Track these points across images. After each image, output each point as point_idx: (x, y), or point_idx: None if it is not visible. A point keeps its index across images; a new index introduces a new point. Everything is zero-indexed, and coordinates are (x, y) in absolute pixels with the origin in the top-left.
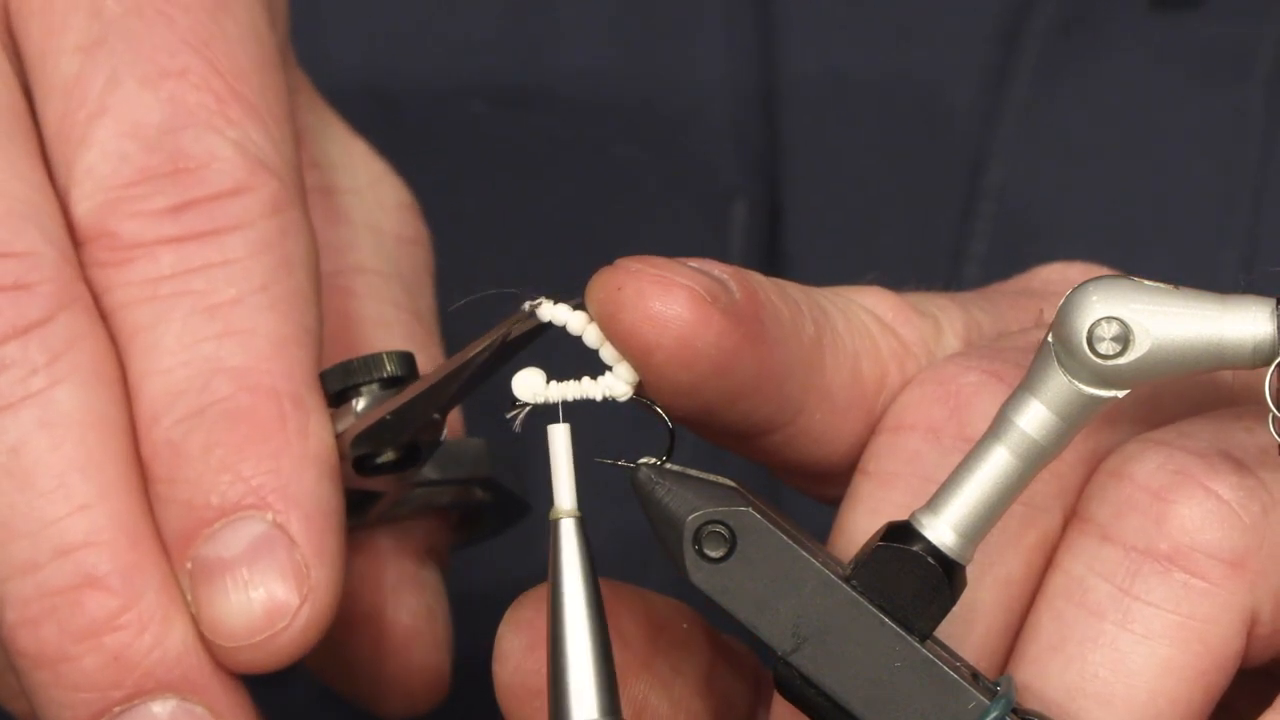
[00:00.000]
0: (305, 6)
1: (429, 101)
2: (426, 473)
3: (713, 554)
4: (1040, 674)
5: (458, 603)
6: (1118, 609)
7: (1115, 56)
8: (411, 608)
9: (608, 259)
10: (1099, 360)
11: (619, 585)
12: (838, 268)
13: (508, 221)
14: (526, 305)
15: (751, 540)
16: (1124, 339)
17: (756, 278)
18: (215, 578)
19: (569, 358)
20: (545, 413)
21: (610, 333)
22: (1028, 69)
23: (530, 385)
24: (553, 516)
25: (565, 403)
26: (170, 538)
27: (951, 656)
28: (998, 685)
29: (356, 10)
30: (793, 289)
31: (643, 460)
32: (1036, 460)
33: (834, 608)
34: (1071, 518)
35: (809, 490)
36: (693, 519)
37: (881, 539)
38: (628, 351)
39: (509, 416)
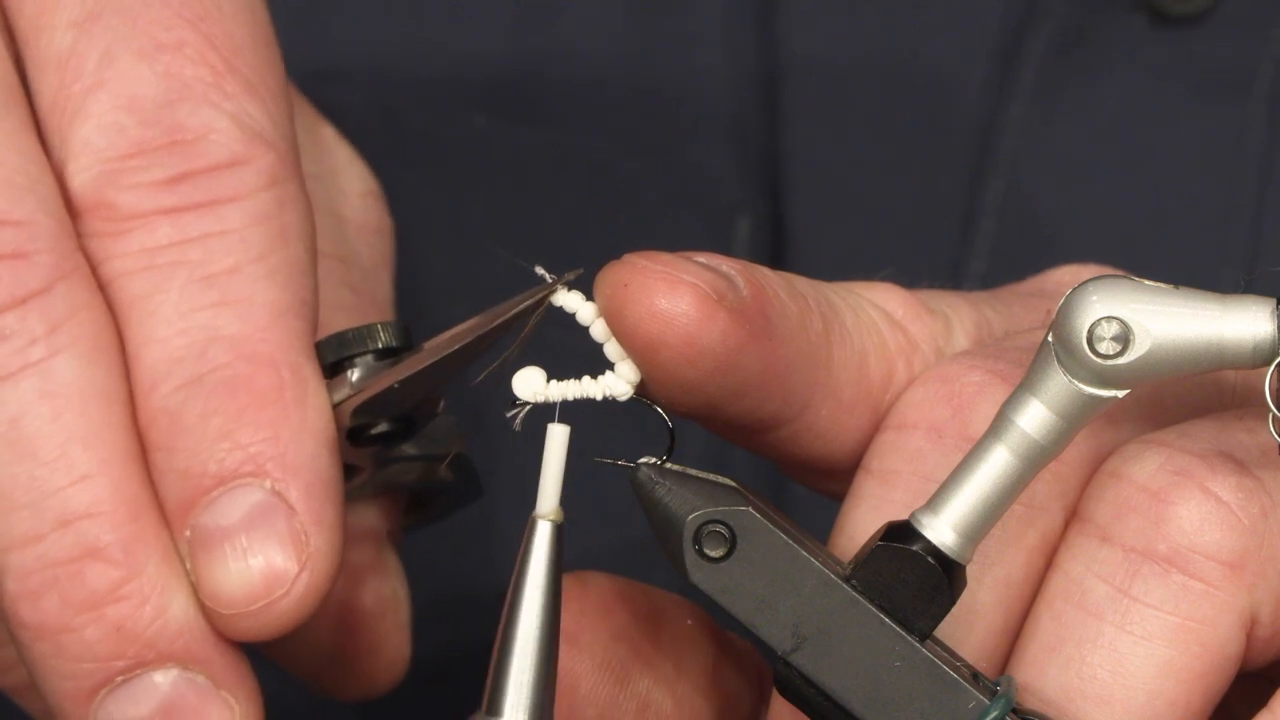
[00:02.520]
0: (310, 19)
1: (432, 114)
2: (405, 448)
3: (713, 554)
4: (1039, 674)
5: (457, 599)
6: (1116, 610)
7: (1115, 73)
8: (375, 591)
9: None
10: (1099, 360)
11: (623, 581)
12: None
13: (510, 234)
14: (551, 278)
15: (751, 540)
16: (1124, 339)
17: (765, 273)
18: (214, 546)
19: (568, 360)
20: (544, 411)
21: (615, 328)
22: (1028, 86)
23: (530, 384)
24: (533, 516)
25: (565, 402)
26: (169, 507)
27: (951, 656)
28: (998, 685)
29: (360, 23)
30: (802, 284)
31: (643, 460)
32: (1037, 460)
33: (834, 607)
34: (1072, 518)
35: (814, 485)
36: (693, 519)
37: (881, 539)
38: (632, 347)
39: (509, 415)
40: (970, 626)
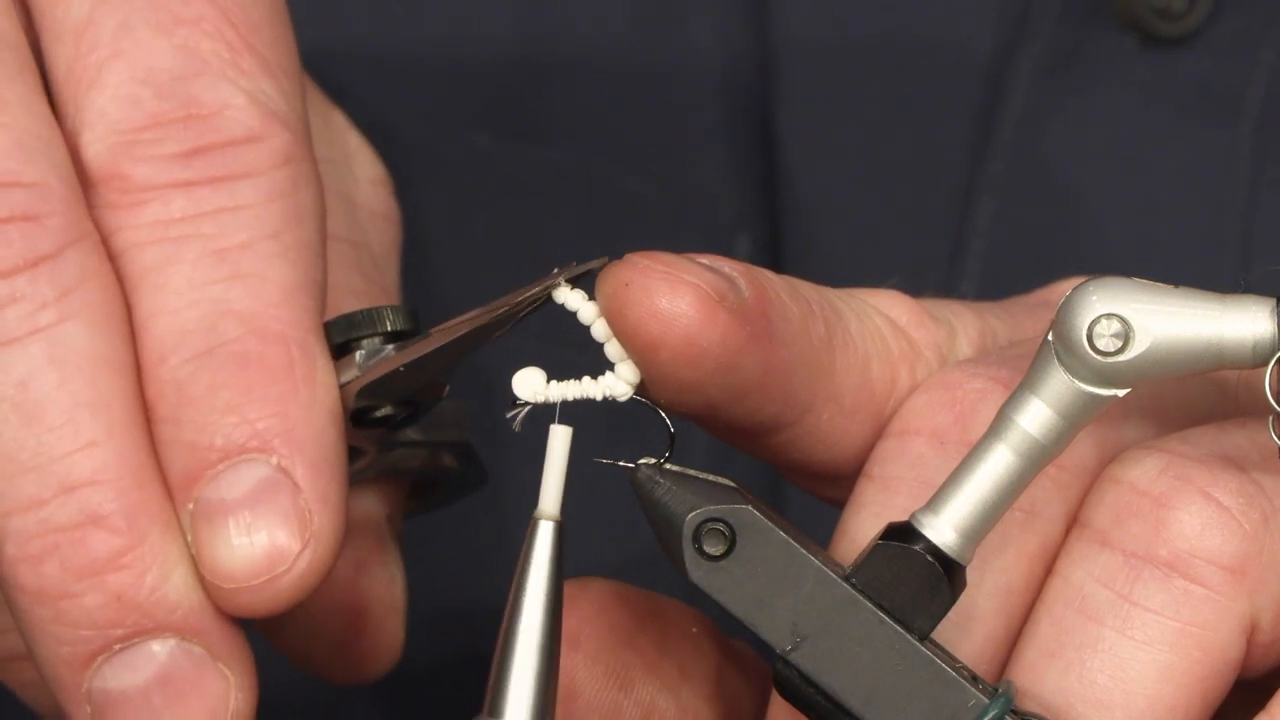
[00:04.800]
0: (309, 35)
1: (434, 133)
2: (409, 433)
3: (712, 551)
4: (1038, 679)
5: (461, 599)
6: (1117, 615)
7: (1104, 94)
8: (373, 576)
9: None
10: (1099, 357)
11: (627, 587)
12: None
13: (511, 253)
14: (556, 270)
15: (751, 538)
16: (1124, 336)
17: (767, 275)
18: (217, 519)
19: (569, 374)
20: (545, 412)
21: (616, 328)
22: (1017, 107)
23: (530, 384)
24: (535, 517)
25: (565, 402)
26: (173, 479)
27: (950, 659)
28: (997, 687)
29: (363, 41)
30: (805, 288)
31: (643, 460)
32: (1038, 459)
33: (833, 606)
34: (1072, 524)
35: (815, 491)
36: (692, 517)
37: (881, 538)
38: (633, 347)
39: (509, 416)
40: (969, 632)
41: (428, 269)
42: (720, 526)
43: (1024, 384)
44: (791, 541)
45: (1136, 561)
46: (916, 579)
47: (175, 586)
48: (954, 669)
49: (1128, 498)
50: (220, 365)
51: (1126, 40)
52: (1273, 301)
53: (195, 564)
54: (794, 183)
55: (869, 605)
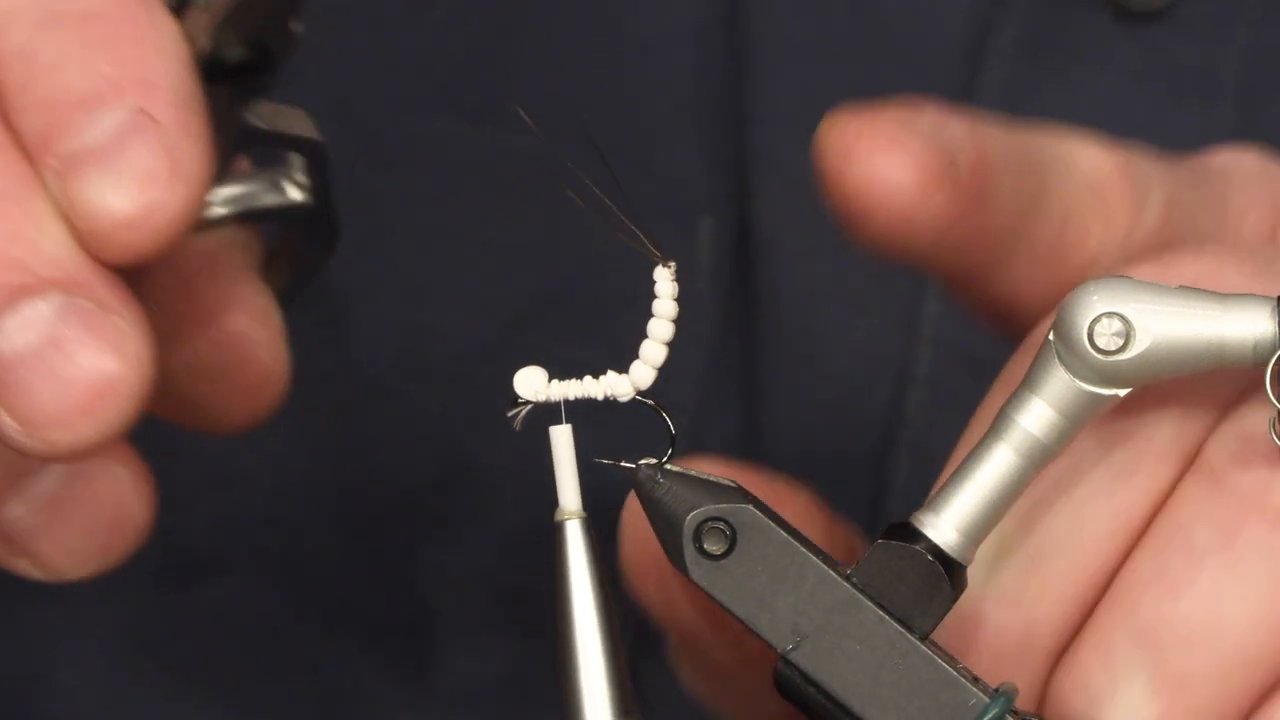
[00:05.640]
0: None
1: (399, 120)
2: (255, 120)
3: (713, 551)
4: (1130, 611)
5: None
6: (1220, 556)
7: (1081, 76)
8: (245, 304)
9: (578, 277)
10: (1099, 356)
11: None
12: (807, 284)
13: (477, 239)
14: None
15: (752, 537)
16: (1125, 335)
17: (989, 136)
18: (83, 168)
19: (566, 359)
20: (547, 412)
21: (831, 183)
22: (994, 89)
23: (532, 383)
24: (558, 518)
25: (567, 402)
26: (32, 141)
27: (951, 659)
28: (998, 688)
29: (326, 27)
30: (1020, 144)
31: (643, 460)
32: (1039, 458)
33: (834, 605)
34: (1189, 466)
35: (991, 328)
36: (692, 516)
37: (881, 537)
38: (844, 207)
39: (510, 415)
40: (1074, 559)
41: (387, 251)
42: (721, 526)
43: (1024, 383)
44: (792, 541)
45: (1248, 504)
46: (917, 578)
47: (51, 244)
48: (955, 669)
49: (1249, 446)
50: (61, 27)
51: (1102, 16)
52: (1273, 301)
53: (67, 220)
54: (763, 167)
55: (870, 604)
